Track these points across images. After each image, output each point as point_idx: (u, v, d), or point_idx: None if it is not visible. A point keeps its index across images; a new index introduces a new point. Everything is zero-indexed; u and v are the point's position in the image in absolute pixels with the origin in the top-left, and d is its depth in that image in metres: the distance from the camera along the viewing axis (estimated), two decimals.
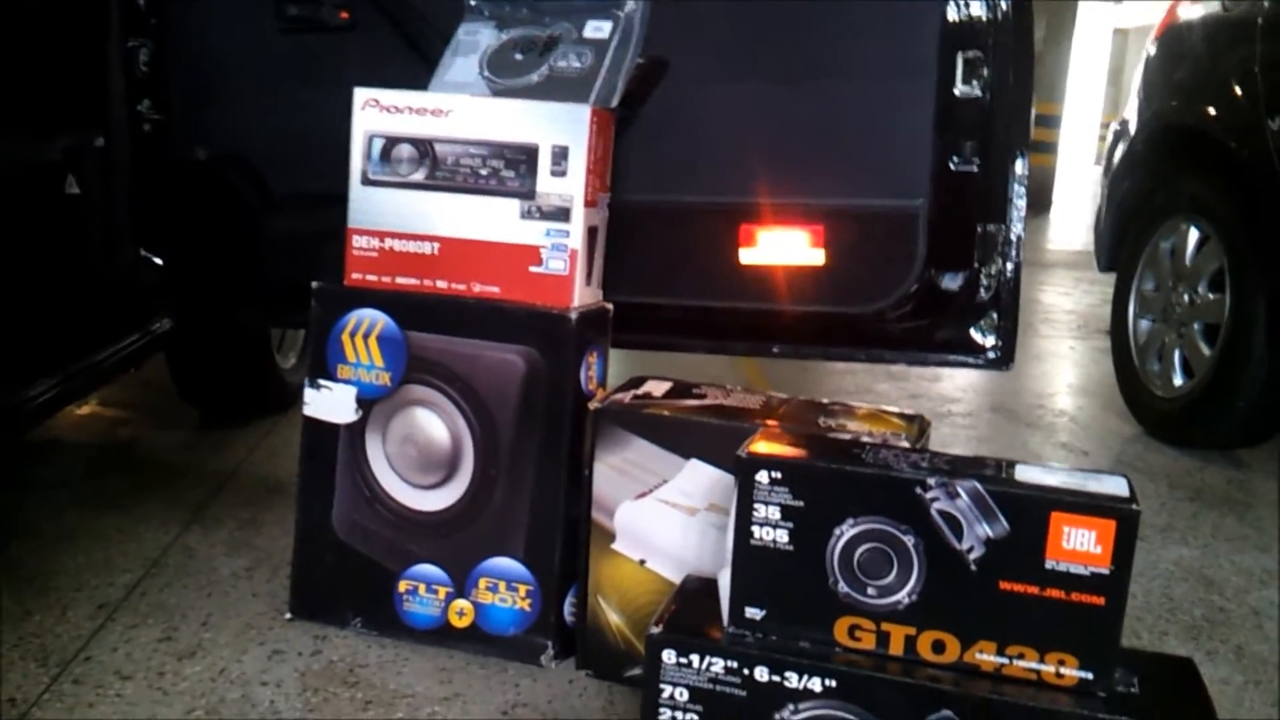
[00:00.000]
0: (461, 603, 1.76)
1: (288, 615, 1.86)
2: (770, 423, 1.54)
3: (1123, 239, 3.34)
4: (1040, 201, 10.32)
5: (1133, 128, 3.32)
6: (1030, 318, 5.26)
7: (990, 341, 1.78)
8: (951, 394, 3.60)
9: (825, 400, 1.69)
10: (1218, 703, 1.68)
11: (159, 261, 2.23)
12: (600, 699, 1.65)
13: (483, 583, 1.75)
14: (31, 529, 2.18)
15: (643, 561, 1.66)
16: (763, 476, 1.26)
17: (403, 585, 1.78)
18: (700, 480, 1.59)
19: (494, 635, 1.75)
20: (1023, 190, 1.77)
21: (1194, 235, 3.00)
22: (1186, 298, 3.02)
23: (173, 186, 2.18)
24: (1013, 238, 1.75)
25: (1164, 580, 2.18)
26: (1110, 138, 3.50)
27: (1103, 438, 3.20)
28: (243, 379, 2.83)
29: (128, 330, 2.28)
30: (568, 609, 1.73)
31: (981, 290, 1.75)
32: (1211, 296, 2.90)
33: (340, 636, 1.80)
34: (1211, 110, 2.90)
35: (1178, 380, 3.05)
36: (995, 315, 1.76)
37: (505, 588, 1.74)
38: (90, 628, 1.81)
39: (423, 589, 1.78)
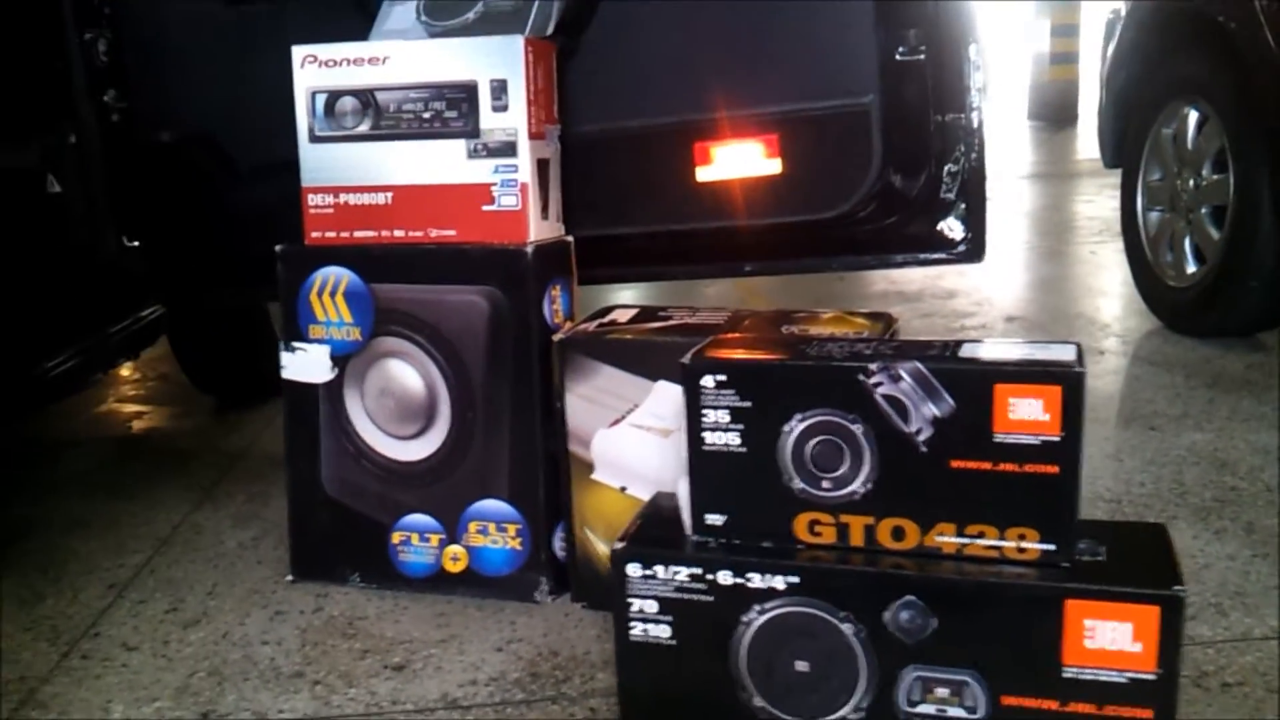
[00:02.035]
0: (454, 548, 1.77)
1: (289, 578, 1.88)
2: (727, 335, 1.53)
3: (1125, 131, 3.25)
4: (1065, 114, 10.09)
5: (1124, 15, 3.23)
6: (1051, 226, 5.17)
7: (959, 234, 1.74)
8: (966, 309, 3.55)
9: (792, 310, 1.67)
10: (1224, 579, 1.66)
11: (141, 248, 2.25)
12: (595, 628, 1.66)
13: (473, 526, 1.76)
14: (45, 521, 2.23)
15: (624, 488, 1.66)
16: (708, 381, 1.25)
17: (396, 536, 1.80)
18: (670, 401, 1.58)
19: (489, 577, 1.76)
20: (981, 78, 1.72)
21: (1194, 117, 2.92)
22: (1192, 183, 2.94)
23: (146, 172, 2.19)
24: (973, 126, 1.70)
25: (1175, 466, 2.13)
26: (1105, 29, 3.40)
27: (1121, 335, 3.14)
28: (250, 359, 2.86)
29: (120, 318, 2.31)
30: (558, 544, 1.74)
31: (945, 182, 1.71)
32: (1216, 178, 2.82)
33: (341, 593, 1.82)
34: None
35: (1190, 268, 2.98)
36: (963, 207, 1.72)
37: (495, 529, 1.75)
38: (100, 606, 1.85)
39: (415, 538, 1.79)
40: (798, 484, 1.24)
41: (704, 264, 1.94)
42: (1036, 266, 4.24)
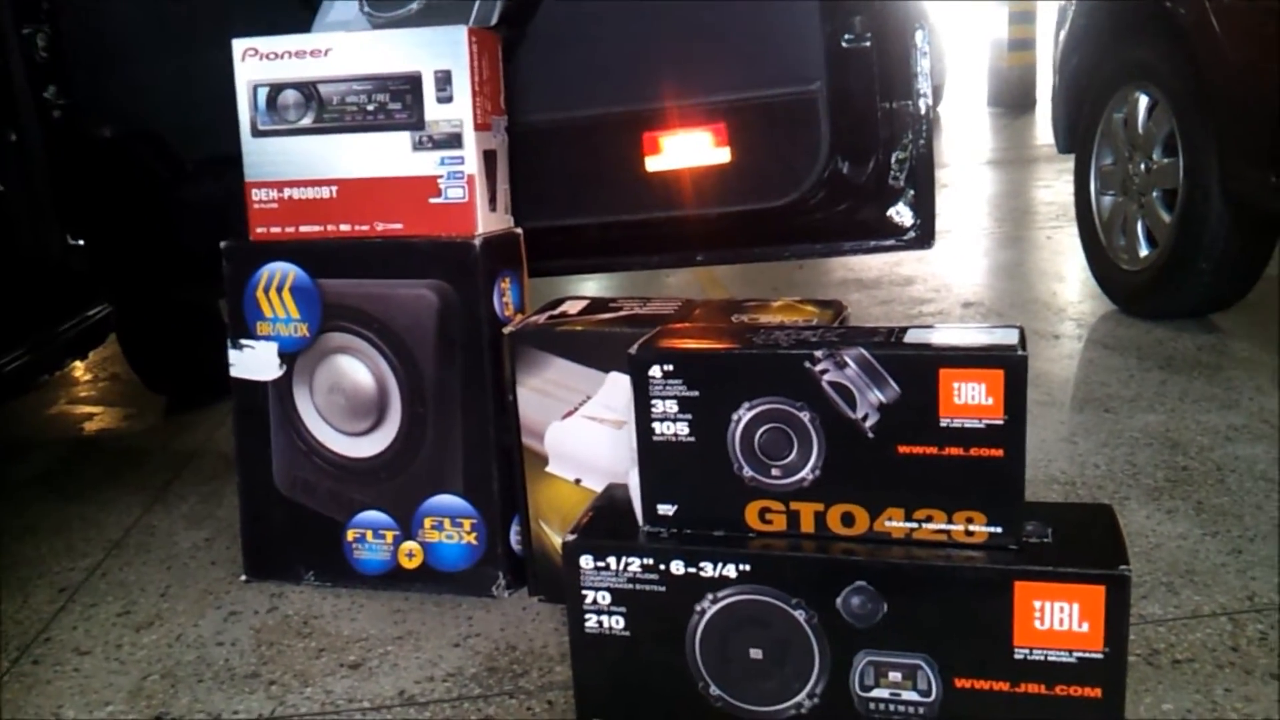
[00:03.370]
0: (410, 544, 1.76)
1: (243, 578, 1.86)
2: (685, 326, 1.52)
3: (1077, 116, 3.28)
4: (1024, 100, 10.16)
5: (1076, 1, 3.25)
6: (1009, 212, 5.20)
7: (909, 220, 1.75)
8: (924, 295, 3.56)
9: (744, 299, 1.67)
10: (1175, 558, 1.68)
11: (87, 246, 2.21)
12: (553, 621, 1.65)
13: (427, 522, 1.74)
14: None
15: (578, 481, 1.65)
16: (655, 371, 1.24)
17: (350, 534, 1.78)
18: (622, 392, 1.57)
19: (445, 572, 1.75)
20: (928, 65, 1.72)
21: (1144, 102, 2.94)
22: (1143, 166, 2.96)
23: (89, 170, 2.16)
24: (920, 113, 1.71)
25: (1128, 448, 2.15)
26: (1058, 15, 3.42)
27: (1077, 319, 3.17)
28: (199, 357, 2.82)
29: (67, 318, 2.27)
30: (514, 538, 1.73)
31: (894, 169, 1.71)
32: (1166, 161, 2.84)
33: (296, 592, 1.81)
34: None
35: (1143, 251, 3.00)
36: (911, 193, 1.73)
37: (450, 524, 1.74)
38: (51, 611, 1.82)
39: (370, 535, 1.77)
40: (747, 472, 1.23)
41: (656, 254, 1.93)
42: (994, 252, 4.27)
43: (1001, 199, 5.73)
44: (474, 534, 1.72)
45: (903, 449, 1.17)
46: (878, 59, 1.68)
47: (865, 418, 1.17)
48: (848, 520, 1.21)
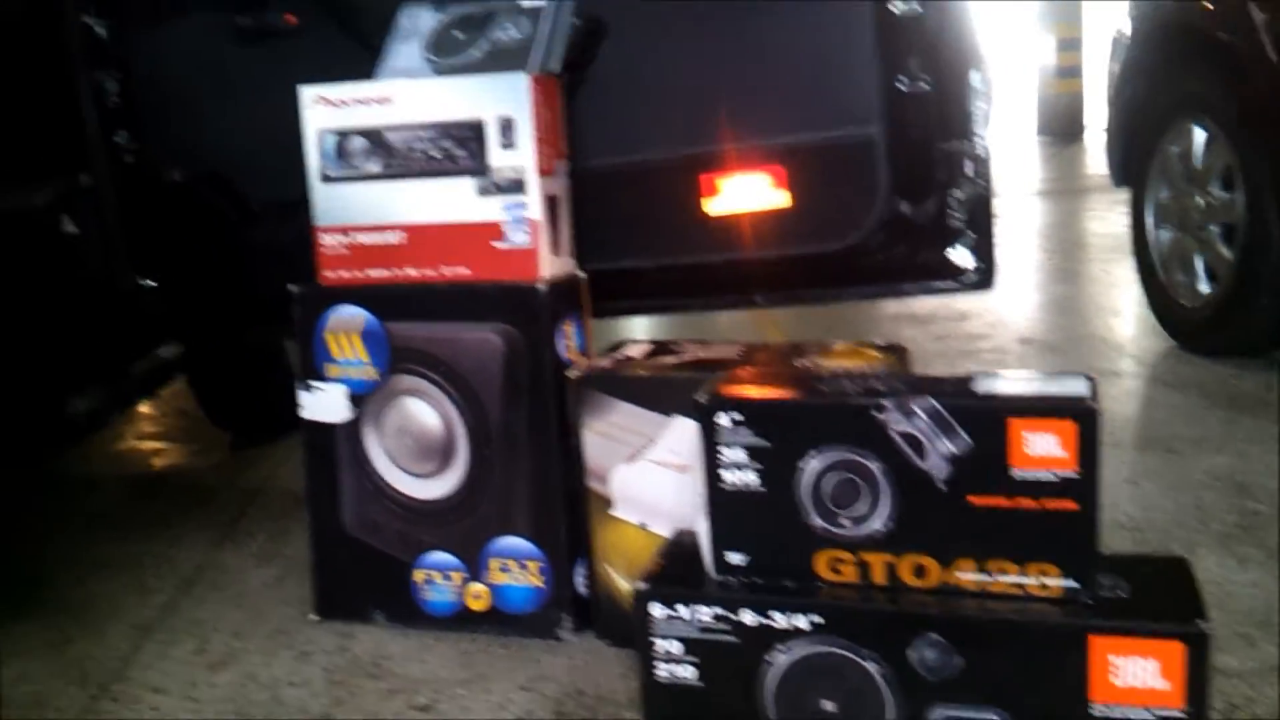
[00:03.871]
0: (476, 586, 1.77)
1: (314, 617, 1.89)
2: (741, 370, 1.53)
3: (1132, 150, 3.26)
4: (1072, 128, 10.10)
5: (1129, 33, 3.24)
6: (1062, 244, 5.17)
7: (969, 263, 1.75)
8: (979, 330, 3.55)
9: (805, 342, 1.68)
10: (1250, 607, 1.65)
11: (157, 287, 2.27)
12: (620, 665, 1.65)
13: (494, 564, 1.76)
14: (70, 560, 2.24)
15: (644, 525, 1.66)
16: (723, 419, 1.25)
17: (418, 575, 1.80)
18: (687, 436, 1.58)
19: (511, 614, 1.76)
20: (986, 105, 1.73)
21: (1200, 135, 2.92)
22: (1201, 201, 2.94)
23: (160, 213, 2.21)
24: (979, 154, 1.71)
25: (1195, 491, 2.13)
26: (1111, 48, 3.41)
27: (1136, 356, 3.14)
28: (266, 395, 2.87)
29: (138, 357, 2.32)
30: (580, 580, 1.74)
31: (953, 211, 1.71)
32: (1225, 196, 2.82)
33: (365, 632, 1.83)
34: (1205, 3, 2.82)
35: (1203, 287, 2.97)
36: (971, 235, 1.73)
37: (516, 566, 1.75)
38: (127, 648, 1.85)
39: (438, 576, 1.79)
40: (817, 522, 1.24)
41: (715, 296, 1.94)
42: (1049, 286, 4.24)
43: (1054, 231, 5.70)
44: (540, 576, 1.74)
45: (974, 500, 1.17)
46: (935, 100, 1.68)
47: (936, 468, 1.18)
48: (919, 572, 1.21)
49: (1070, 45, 10.03)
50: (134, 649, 1.85)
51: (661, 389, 1.59)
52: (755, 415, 1.24)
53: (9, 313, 2.31)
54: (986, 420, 1.15)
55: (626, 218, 1.83)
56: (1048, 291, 4.17)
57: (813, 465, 1.22)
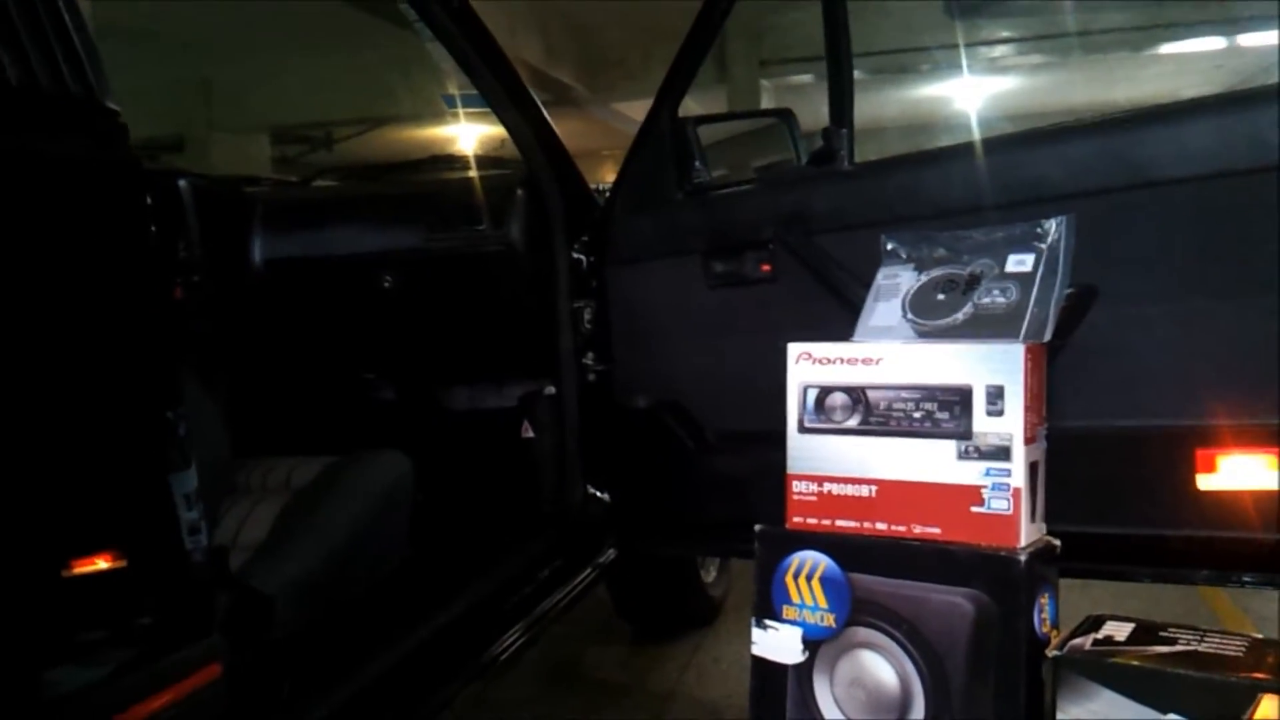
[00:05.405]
0: None
1: None
2: (1264, 677, 1.40)
3: None
4: None
5: None
6: None
7: None
8: None
9: None
10: None
11: (605, 498, 2.44)
12: None
13: None
14: None
15: None
16: None
17: None
18: None
19: None
20: None
21: None
22: None
23: (617, 431, 2.39)
24: None
25: None
26: None
27: None
28: (674, 596, 2.98)
29: (583, 562, 2.48)
30: None
31: None
32: None
33: None
34: None
35: None
36: None
37: None
38: None
39: None
40: None
41: (1191, 569, 1.81)
42: None
43: None
44: None
45: None
46: None
47: None
48: None
49: None
50: None
51: (1156, 683, 1.48)
52: None
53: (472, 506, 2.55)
54: None
55: (1106, 481, 1.76)
56: None
57: None
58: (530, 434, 2.65)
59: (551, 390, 2.58)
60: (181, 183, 2.64)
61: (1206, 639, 1.56)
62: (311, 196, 3.07)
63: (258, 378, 2.67)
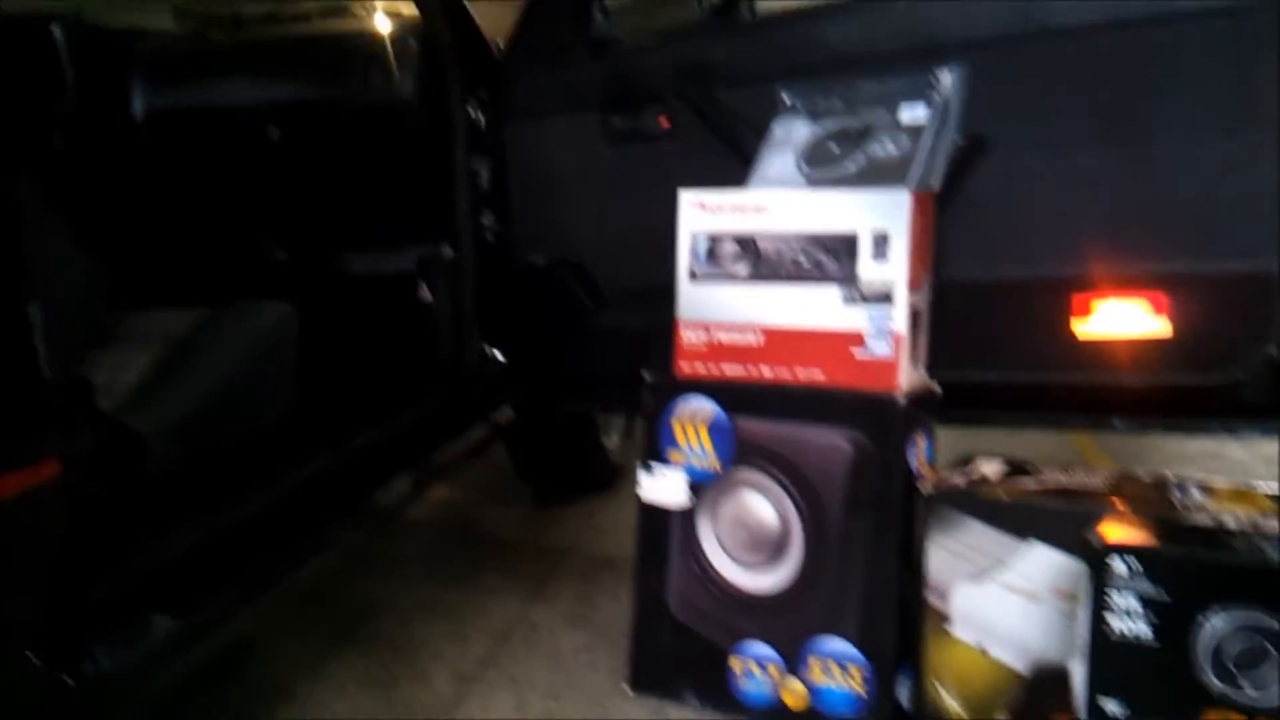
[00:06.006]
0: (794, 683, 1.78)
1: (627, 689, 1.94)
2: (1117, 503, 1.48)
3: None
4: None
5: None
6: None
7: None
8: None
9: (1175, 476, 1.60)
10: None
11: (502, 357, 2.43)
12: None
13: (814, 663, 1.76)
14: (391, 601, 2.40)
15: (981, 647, 1.62)
16: (1119, 565, 1.22)
17: (736, 663, 1.83)
18: (1042, 565, 1.54)
19: (829, 717, 1.75)
20: None
21: None
22: None
23: (512, 289, 2.37)
24: None
25: None
26: None
27: None
28: (574, 459, 3.00)
29: (477, 418, 2.48)
30: (904, 693, 1.72)
31: None
32: None
33: (678, 711, 1.87)
34: None
35: None
36: None
37: (838, 669, 1.75)
38: (450, 695, 1.97)
39: (755, 667, 1.81)
40: (1212, 682, 1.18)
41: (1068, 415, 1.89)
42: None
43: None
44: (862, 683, 1.72)
45: None
46: None
47: None
48: None
49: None
50: (457, 698, 1.97)
51: (1022, 514, 1.56)
52: (1156, 565, 1.19)
53: (365, 363, 2.52)
54: None
55: (986, 331, 1.81)
56: None
57: (1215, 623, 1.17)
58: (428, 297, 2.61)
59: (449, 252, 2.54)
60: (55, 27, 2.49)
61: (1072, 475, 1.64)
62: (196, 46, 2.93)
63: (139, 231, 2.57)
